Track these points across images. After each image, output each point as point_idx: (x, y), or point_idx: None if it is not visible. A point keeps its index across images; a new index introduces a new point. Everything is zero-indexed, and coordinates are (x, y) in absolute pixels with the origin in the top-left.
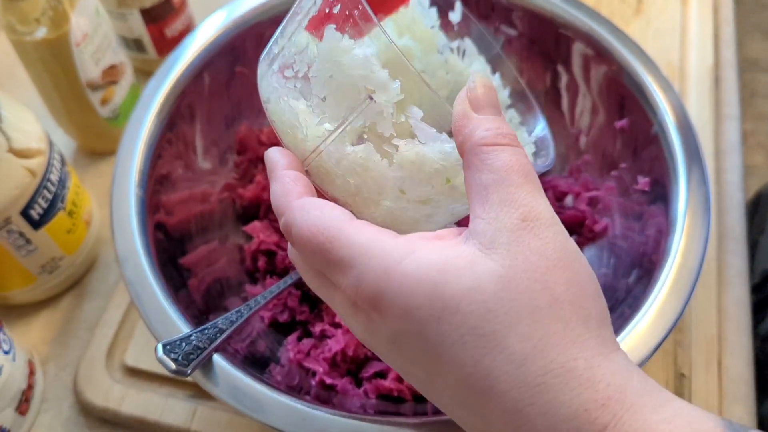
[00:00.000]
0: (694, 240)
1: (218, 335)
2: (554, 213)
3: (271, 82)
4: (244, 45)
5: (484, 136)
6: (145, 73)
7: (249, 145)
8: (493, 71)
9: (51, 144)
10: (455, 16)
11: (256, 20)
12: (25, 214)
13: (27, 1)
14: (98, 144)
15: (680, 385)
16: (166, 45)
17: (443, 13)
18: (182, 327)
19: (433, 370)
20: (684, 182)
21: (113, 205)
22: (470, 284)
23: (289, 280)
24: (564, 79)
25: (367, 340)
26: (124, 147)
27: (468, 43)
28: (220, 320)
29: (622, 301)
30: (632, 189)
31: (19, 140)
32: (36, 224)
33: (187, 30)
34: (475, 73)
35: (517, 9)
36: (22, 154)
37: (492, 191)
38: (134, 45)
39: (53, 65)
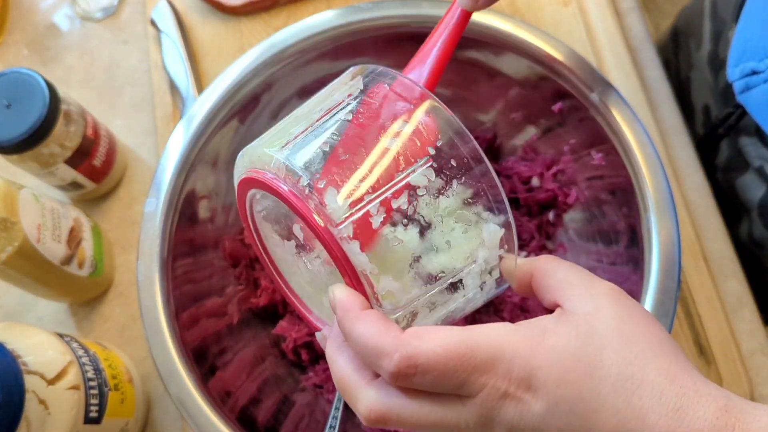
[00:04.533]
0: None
1: None
2: None
3: None
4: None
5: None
6: (89, 201)
7: (238, 254)
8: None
9: (70, 344)
10: None
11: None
12: (87, 420)
13: None
14: (88, 295)
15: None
16: (100, 173)
17: None
18: None
19: (591, 425)
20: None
21: (155, 357)
22: (602, 342)
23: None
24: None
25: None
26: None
27: None
28: None
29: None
30: (589, 163)
31: (50, 369)
32: (98, 420)
33: (112, 149)
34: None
35: None
36: (59, 377)
37: (571, 277)
38: (71, 187)
39: (25, 268)
